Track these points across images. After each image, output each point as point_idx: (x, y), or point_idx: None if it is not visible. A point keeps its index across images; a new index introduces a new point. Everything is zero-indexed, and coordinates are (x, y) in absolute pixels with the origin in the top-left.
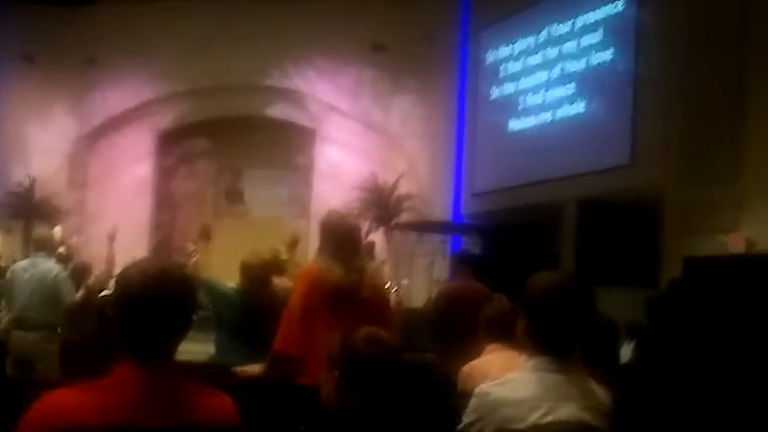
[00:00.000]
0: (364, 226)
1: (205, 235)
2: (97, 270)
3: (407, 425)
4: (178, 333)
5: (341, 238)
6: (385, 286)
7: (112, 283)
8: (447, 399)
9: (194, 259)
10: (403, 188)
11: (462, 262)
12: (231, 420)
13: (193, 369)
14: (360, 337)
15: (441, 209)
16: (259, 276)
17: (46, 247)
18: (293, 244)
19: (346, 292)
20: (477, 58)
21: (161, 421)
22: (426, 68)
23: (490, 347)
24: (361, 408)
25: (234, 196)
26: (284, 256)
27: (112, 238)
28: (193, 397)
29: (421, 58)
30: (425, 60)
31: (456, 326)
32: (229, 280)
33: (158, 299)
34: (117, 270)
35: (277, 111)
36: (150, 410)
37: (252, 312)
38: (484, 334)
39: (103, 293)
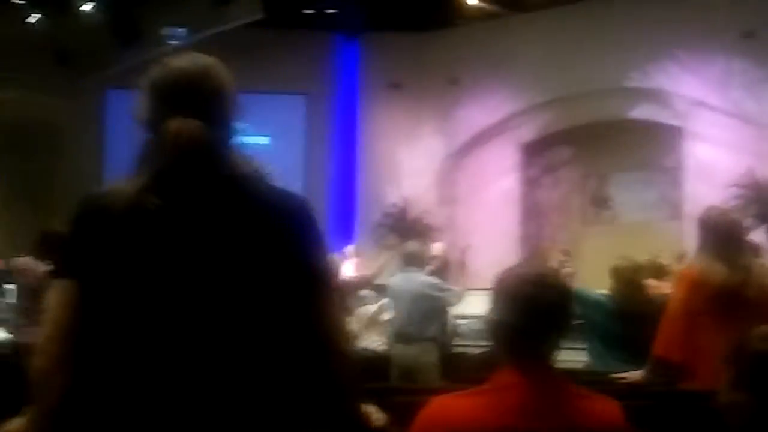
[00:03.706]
0: (746, 224)
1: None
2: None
3: None
4: (556, 337)
5: (723, 236)
6: None
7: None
8: None
9: (565, 269)
10: None
11: None
12: (619, 424)
13: (569, 376)
14: (755, 335)
15: None
16: (631, 280)
17: (418, 261)
18: (681, 258)
19: (732, 292)
20: None
21: (549, 425)
22: None
23: None
24: (754, 408)
25: (601, 202)
26: (668, 263)
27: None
28: (578, 402)
29: None
30: None
31: None
32: (601, 287)
33: (536, 303)
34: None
35: (641, 112)
36: (537, 415)
37: (626, 317)
38: None
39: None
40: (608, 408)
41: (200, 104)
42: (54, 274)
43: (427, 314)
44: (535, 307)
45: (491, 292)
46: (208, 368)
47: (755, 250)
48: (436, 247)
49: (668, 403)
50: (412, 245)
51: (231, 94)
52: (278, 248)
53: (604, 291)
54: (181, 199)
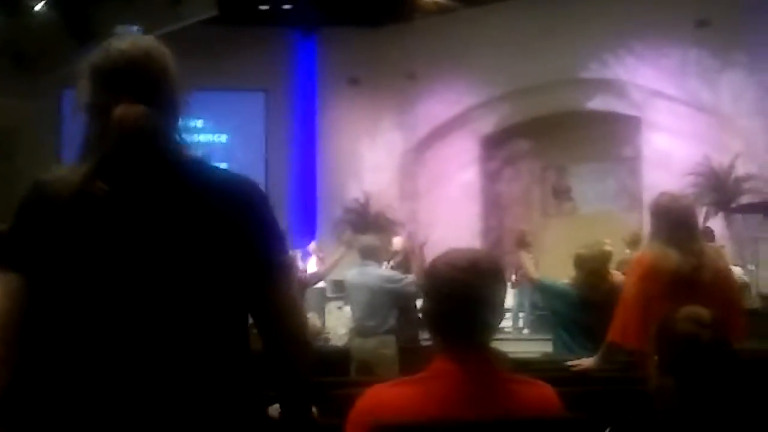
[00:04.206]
0: (701, 211)
1: (522, 242)
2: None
3: (730, 412)
4: (489, 323)
5: (675, 221)
6: (728, 268)
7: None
8: None
9: (526, 262)
10: (741, 169)
11: None
12: (553, 409)
13: (528, 365)
14: (679, 317)
15: None
16: (595, 269)
17: (374, 255)
18: (634, 242)
19: (686, 277)
20: None
21: (482, 411)
22: (757, 40)
23: None
24: (678, 392)
25: (561, 193)
26: (626, 251)
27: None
28: (512, 387)
29: (752, 29)
30: (756, 31)
31: None
32: (563, 277)
33: (466, 289)
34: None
35: (599, 103)
36: (470, 401)
37: (590, 306)
38: None
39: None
40: (543, 393)
41: (142, 87)
42: None
43: (385, 307)
44: (465, 293)
45: (424, 279)
46: (156, 358)
47: (708, 234)
48: (397, 242)
49: (622, 388)
50: (368, 239)
51: (174, 76)
52: (229, 233)
53: (566, 281)
54: (127, 185)
